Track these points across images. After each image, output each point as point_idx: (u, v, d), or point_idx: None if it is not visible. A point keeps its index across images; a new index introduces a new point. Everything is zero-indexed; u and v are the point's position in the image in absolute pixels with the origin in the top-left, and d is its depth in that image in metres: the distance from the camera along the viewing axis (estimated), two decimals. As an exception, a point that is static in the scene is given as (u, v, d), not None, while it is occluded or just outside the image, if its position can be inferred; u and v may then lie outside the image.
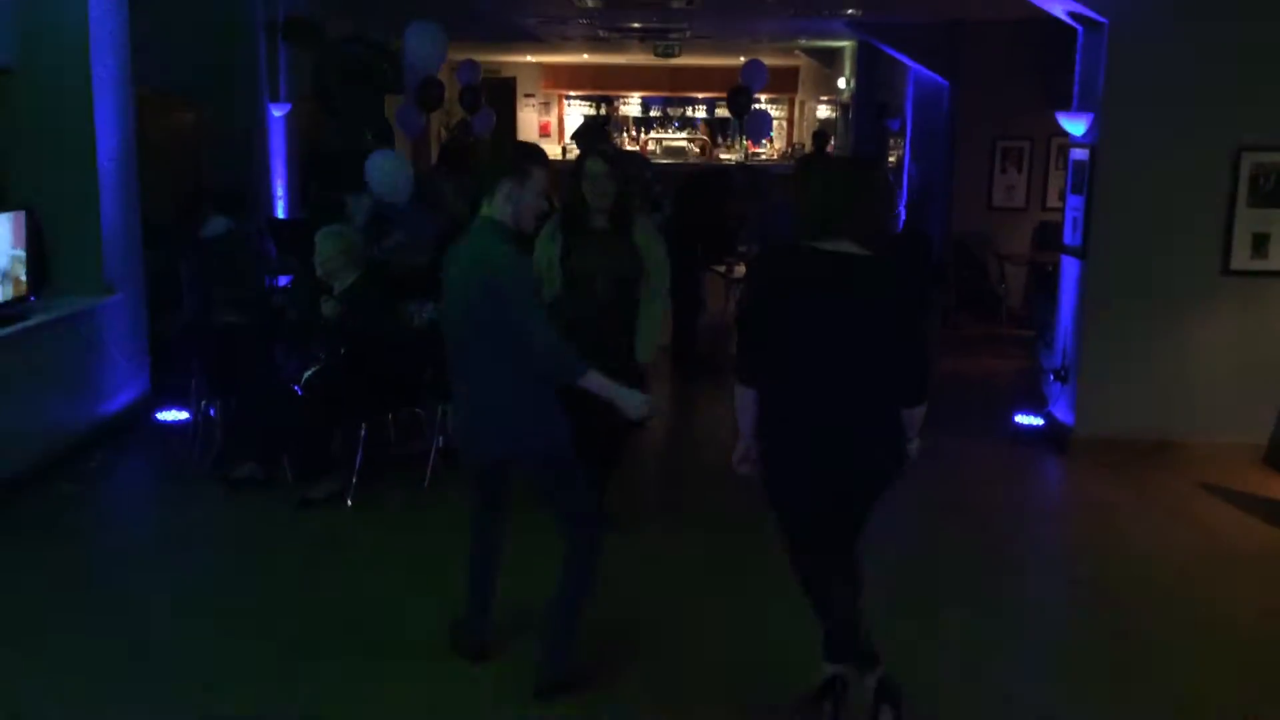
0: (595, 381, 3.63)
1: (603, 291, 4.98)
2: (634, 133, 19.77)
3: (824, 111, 17.71)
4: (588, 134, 9.10)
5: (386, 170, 7.26)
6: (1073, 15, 6.51)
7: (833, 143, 13.62)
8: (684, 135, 19.85)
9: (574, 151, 19.04)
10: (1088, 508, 5.96)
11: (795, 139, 19.42)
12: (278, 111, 10.58)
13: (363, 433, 5.67)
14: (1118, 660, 4.21)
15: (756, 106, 13.82)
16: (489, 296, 3.56)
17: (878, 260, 3.27)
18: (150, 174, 7.53)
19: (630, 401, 3.71)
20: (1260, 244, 6.35)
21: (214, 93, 9.70)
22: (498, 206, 3.67)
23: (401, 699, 3.85)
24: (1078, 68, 6.68)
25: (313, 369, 5.76)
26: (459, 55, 14.42)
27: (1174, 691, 4.00)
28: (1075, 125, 6.58)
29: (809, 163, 8.78)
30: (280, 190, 10.74)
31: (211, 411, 6.22)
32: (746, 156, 16.71)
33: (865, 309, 3.26)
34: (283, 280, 8.33)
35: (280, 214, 10.57)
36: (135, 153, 6.89)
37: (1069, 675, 4.16)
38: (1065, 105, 6.80)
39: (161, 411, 6.74)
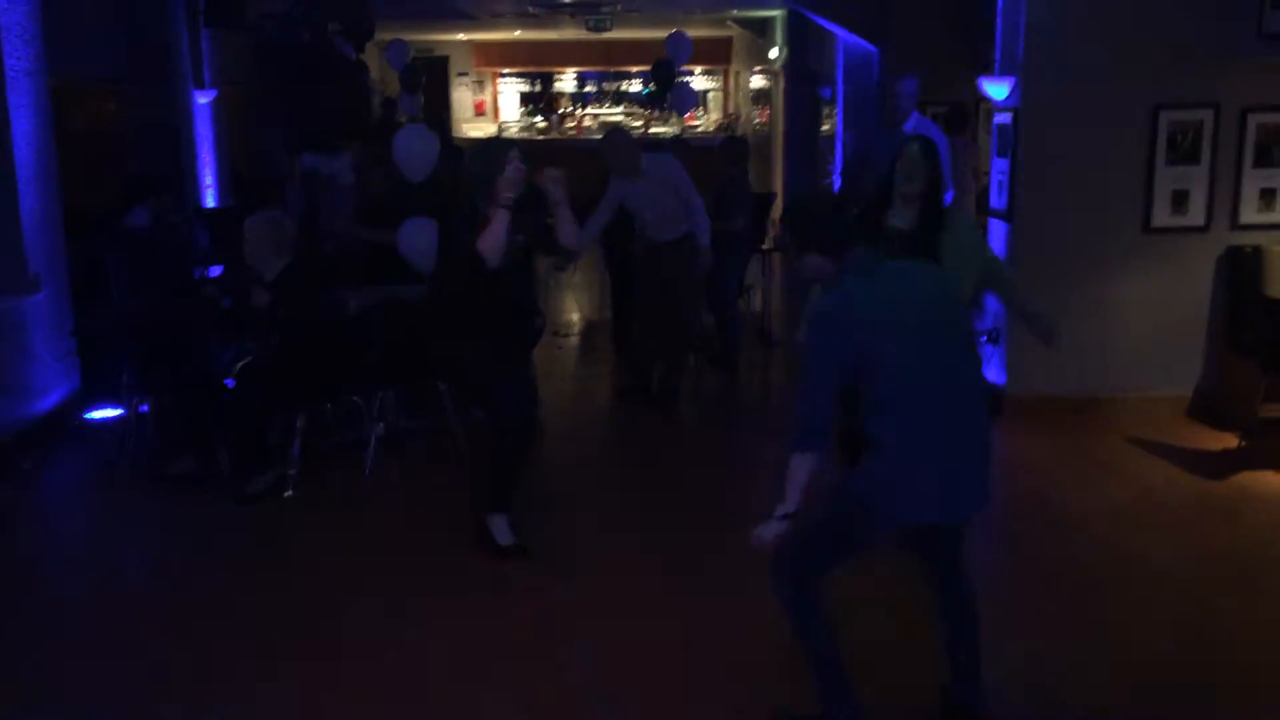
0: None
1: None
2: (570, 109, 19.66)
3: (758, 81, 17.73)
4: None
5: (414, 147, 7.03)
6: (992, -20, 6.59)
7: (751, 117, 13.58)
8: (620, 110, 19.79)
9: (509, 130, 19.00)
10: (1020, 465, 6.09)
11: (731, 109, 19.43)
12: (203, 98, 10.40)
13: (299, 423, 5.63)
14: (1048, 611, 4.33)
15: (685, 79, 13.82)
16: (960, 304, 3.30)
17: None
18: (74, 165, 7.38)
19: None
20: (1179, 201, 6.50)
21: (137, 80, 9.51)
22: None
23: (344, 691, 3.85)
24: (998, 32, 6.76)
25: (245, 360, 5.70)
26: (388, 34, 14.23)
27: (1101, 638, 4.13)
28: (998, 89, 6.67)
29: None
30: (209, 178, 10.57)
31: (143, 408, 6.13)
32: (683, 130, 16.69)
33: None
34: (214, 270, 8.23)
35: (210, 202, 10.41)
36: (54, 144, 6.74)
37: (1001, 626, 4.26)
38: (990, 70, 6.89)
39: (93, 409, 6.63)
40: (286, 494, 5.52)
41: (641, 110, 19.35)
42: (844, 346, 3.11)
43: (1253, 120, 6.43)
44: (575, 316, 10.03)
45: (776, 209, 10.97)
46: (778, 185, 14.92)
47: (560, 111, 19.35)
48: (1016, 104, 6.49)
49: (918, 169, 4.51)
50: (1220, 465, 5.86)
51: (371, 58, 14.30)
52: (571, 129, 18.61)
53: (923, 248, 4.35)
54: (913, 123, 6.52)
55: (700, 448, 6.52)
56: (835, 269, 3.22)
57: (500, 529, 4.76)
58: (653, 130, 17.52)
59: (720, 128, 18.53)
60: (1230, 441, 6.15)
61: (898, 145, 4.66)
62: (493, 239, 4.43)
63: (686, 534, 5.12)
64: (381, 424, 6.11)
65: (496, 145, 4.84)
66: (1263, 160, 6.48)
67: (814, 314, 3.21)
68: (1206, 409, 6.60)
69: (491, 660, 4.01)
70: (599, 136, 7.63)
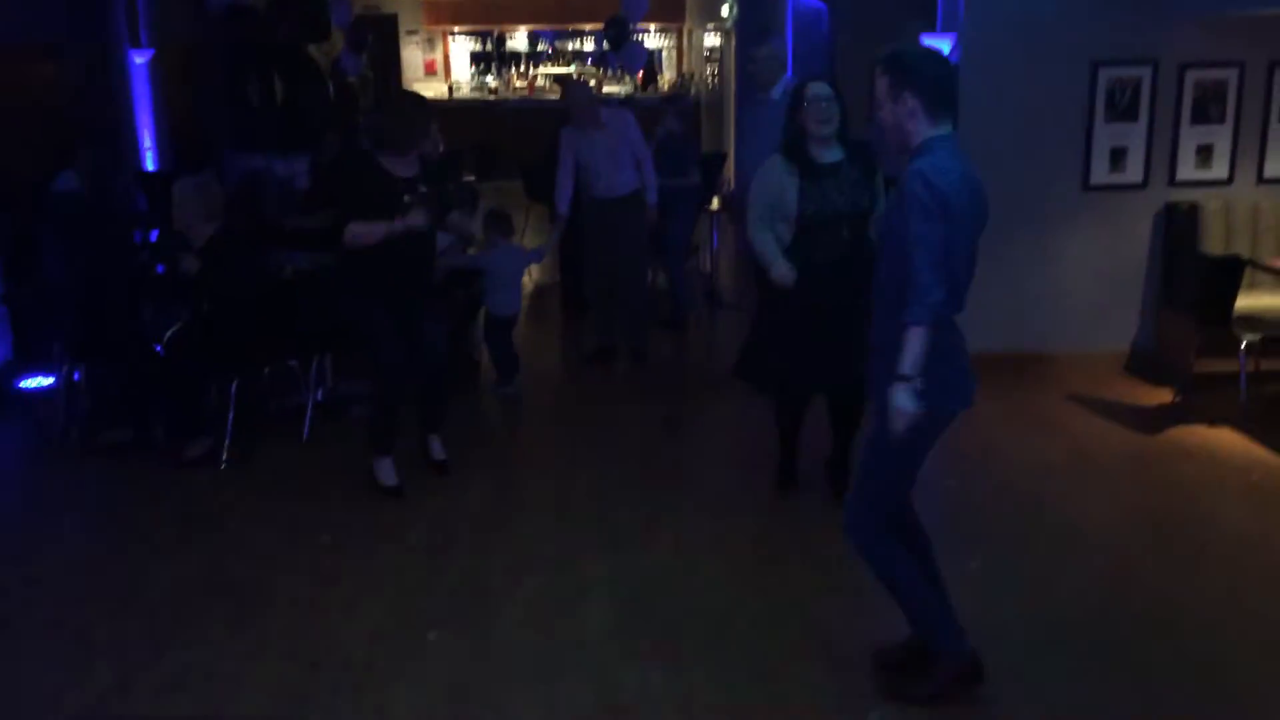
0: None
1: (846, 238, 4.59)
2: (523, 68, 19.38)
3: (711, 39, 17.58)
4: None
5: None
6: (932, -64, 6.54)
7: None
8: (573, 69, 19.55)
9: (460, 90, 18.74)
10: (957, 421, 6.11)
11: (685, 68, 19.27)
12: (139, 58, 10.15)
13: (234, 389, 5.55)
14: (973, 566, 4.36)
15: (639, 38, 13.67)
16: None
17: None
18: (8, 131, 7.18)
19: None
20: (1118, 158, 6.53)
21: (72, 42, 9.25)
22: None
23: (273, 661, 3.83)
24: (940, -11, 6.72)
25: (175, 327, 5.61)
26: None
27: (1023, 593, 4.18)
28: (939, 46, 6.64)
29: None
30: (148, 140, 10.35)
31: (76, 376, 6.01)
32: (635, 89, 16.54)
33: None
34: (155, 234, 8.07)
35: (150, 165, 10.19)
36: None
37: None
38: (932, 27, 6.85)
39: (25, 378, 6.51)
40: (223, 460, 5.46)
41: (593, 70, 19.14)
42: (951, 220, 3.07)
43: (1190, 77, 6.46)
44: (525, 279, 9.94)
45: (728, 169, 10.92)
46: (729, 144, 14.83)
47: (513, 71, 19.02)
48: (957, 61, 6.46)
49: (831, 112, 4.49)
50: (1155, 420, 5.94)
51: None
52: (522, 88, 18.38)
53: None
54: (782, 87, 5.97)
55: (652, 408, 6.49)
56: (918, 128, 3.18)
57: (383, 470, 5.07)
58: (606, 90, 17.37)
59: (672, 87, 18.37)
60: (1166, 396, 6.22)
61: (794, 93, 4.57)
62: (360, 232, 4.67)
63: (635, 493, 5.11)
64: (321, 390, 6.04)
65: (416, 111, 4.80)
66: (1200, 117, 6.51)
67: (928, 185, 3.07)
68: (1144, 364, 6.67)
69: (424, 628, 3.99)
70: (552, 96, 7.57)
